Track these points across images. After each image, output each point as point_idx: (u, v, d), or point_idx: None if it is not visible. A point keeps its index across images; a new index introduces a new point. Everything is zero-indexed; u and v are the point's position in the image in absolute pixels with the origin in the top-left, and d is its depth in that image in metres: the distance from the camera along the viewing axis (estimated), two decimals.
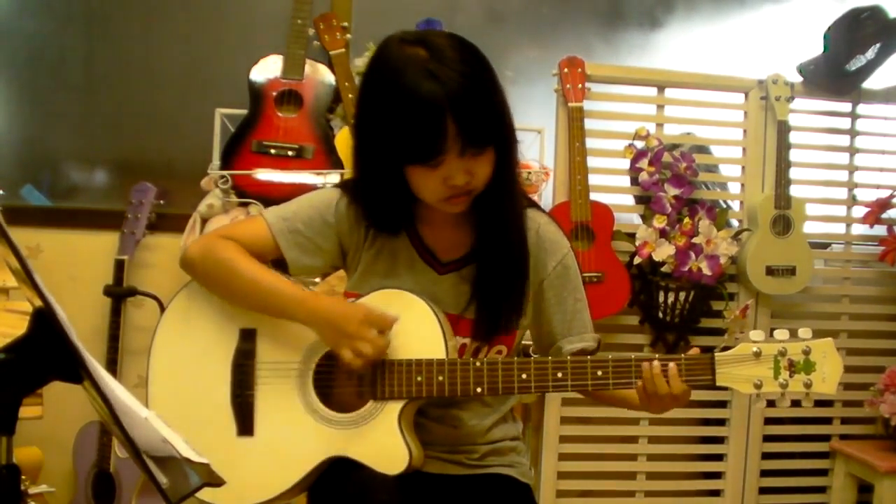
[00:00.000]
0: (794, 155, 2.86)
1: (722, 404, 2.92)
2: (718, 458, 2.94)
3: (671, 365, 1.42)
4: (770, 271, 2.81)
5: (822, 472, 2.99)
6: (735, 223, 2.94)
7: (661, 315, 2.80)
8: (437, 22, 2.78)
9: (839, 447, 2.91)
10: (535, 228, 1.55)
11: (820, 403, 1.45)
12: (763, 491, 2.94)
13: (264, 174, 2.65)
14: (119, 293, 2.63)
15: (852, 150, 3.02)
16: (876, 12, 2.85)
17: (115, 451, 2.59)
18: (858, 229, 3.03)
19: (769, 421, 2.91)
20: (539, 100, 2.90)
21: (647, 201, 2.81)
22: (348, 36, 2.77)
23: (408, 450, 1.44)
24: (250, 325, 1.55)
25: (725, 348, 1.45)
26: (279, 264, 1.56)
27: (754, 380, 1.41)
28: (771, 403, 1.44)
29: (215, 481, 0.99)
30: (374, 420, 1.47)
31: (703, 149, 2.95)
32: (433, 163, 1.37)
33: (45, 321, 0.95)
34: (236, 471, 1.46)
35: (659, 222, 2.74)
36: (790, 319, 2.93)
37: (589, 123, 2.77)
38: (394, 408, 1.47)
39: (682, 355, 1.44)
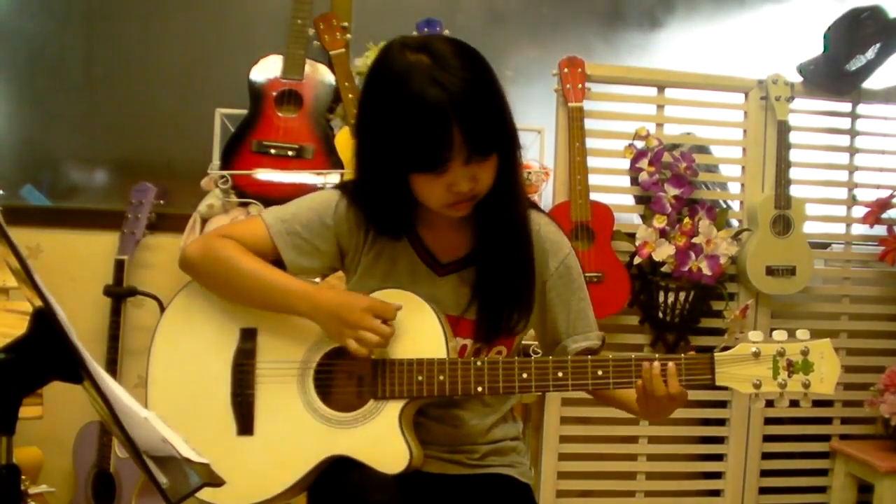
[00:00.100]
0: (794, 155, 2.86)
1: (722, 404, 2.92)
2: (718, 458, 2.94)
3: (670, 364, 1.42)
4: (770, 271, 2.81)
5: (822, 472, 2.99)
6: (735, 223, 2.94)
7: (661, 315, 2.80)
8: (438, 22, 2.78)
9: (839, 447, 2.91)
10: (535, 230, 1.56)
11: (820, 403, 1.46)
12: (763, 491, 2.94)
13: (264, 174, 2.66)
14: (119, 293, 2.64)
15: (852, 150, 3.02)
16: (876, 12, 2.85)
17: (115, 451, 2.59)
18: (858, 229, 3.03)
19: (769, 421, 2.91)
20: (539, 100, 2.90)
21: (647, 201, 2.81)
22: (348, 36, 2.77)
23: (408, 449, 1.44)
24: (251, 324, 1.55)
25: (725, 348, 1.46)
26: (277, 265, 1.56)
27: (753, 380, 1.42)
28: (770, 403, 1.45)
29: (215, 481, 0.99)
30: (374, 419, 1.47)
31: (703, 149, 2.95)
32: (438, 171, 1.37)
33: (45, 321, 0.95)
34: (236, 470, 1.46)
35: (659, 222, 2.74)
36: (790, 319, 2.93)
37: (589, 123, 2.77)
38: (394, 407, 1.47)
39: (682, 355, 1.44)
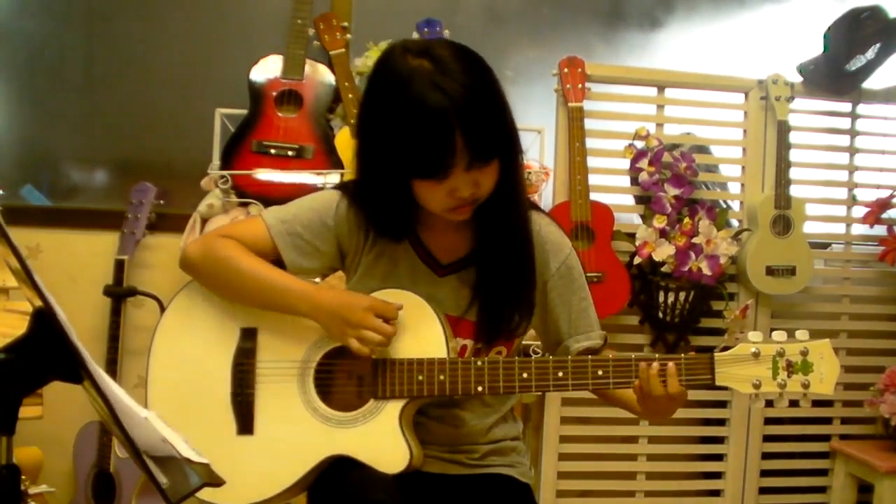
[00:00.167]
0: (794, 155, 2.86)
1: (722, 404, 2.92)
2: (718, 458, 2.94)
3: (670, 365, 1.42)
4: (770, 271, 2.81)
5: (822, 472, 2.99)
6: (735, 223, 2.94)
7: (661, 315, 2.80)
8: (438, 22, 2.78)
9: (839, 447, 2.91)
10: (536, 230, 1.56)
11: (820, 403, 1.47)
12: (763, 491, 2.94)
13: (264, 174, 2.66)
14: (119, 293, 2.64)
15: (852, 150, 3.02)
16: (876, 12, 2.85)
17: (115, 451, 2.59)
18: (858, 229, 3.03)
19: (769, 421, 2.91)
20: (539, 100, 2.90)
21: (647, 201, 2.81)
22: (348, 36, 2.77)
23: (408, 449, 1.44)
24: (251, 324, 1.55)
25: (725, 348, 1.46)
26: (277, 265, 1.56)
27: (753, 380, 1.42)
28: (770, 403, 1.45)
29: (215, 481, 0.99)
30: (374, 419, 1.47)
31: (703, 149, 2.95)
32: (440, 177, 1.37)
33: (45, 321, 0.95)
34: (236, 470, 1.46)
35: (659, 222, 2.74)
36: (790, 319, 2.93)
37: (589, 123, 2.77)
38: (395, 407, 1.47)
39: (682, 355, 1.44)
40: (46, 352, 0.96)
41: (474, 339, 1.54)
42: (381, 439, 1.46)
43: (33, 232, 2.76)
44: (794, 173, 2.85)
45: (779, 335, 1.43)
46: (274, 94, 2.69)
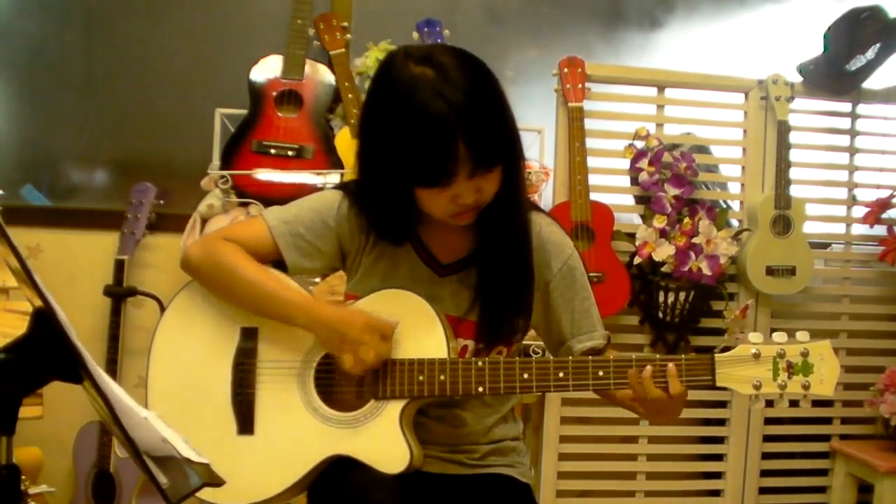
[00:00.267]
0: (794, 155, 2.86)
1: (722, 404, 2.92)
2: (718, 458, 2.94)
3: (670, 366, 1.42)
4: (770, 271, 2.81)
5: (822, 472, 2.99)
6: (735, 223, 2.94)
7: (661, 315, 2.80)
8: (438, 22, 2.78)
9: (839, 447, 2.91)
10: (537, 231, 1.56)
11: (820, 403, 1.47)
12: (763, 491, 2.94)
13: (264, 174, 2.66)
14: (119, 293, 2.64)
15: (852, 150, 3.02)
16: (876, 12, 2.85)
17: (115, 451, 2.59)
18: (858, 229, 3.03)
19: (769, 421, 2.91)
20: (539, 100, 2.90)
21: (647, 201, 2.81)
22: (348, 36, 2.77)
23: (409, 449, 1.44)
24: (252, 323, 1.55)
25: (725, 349, 1.46)
26: (278, 265, 1.56)
27: (753, 381, 1.42)
28: (769, 404, 1.45)
29: (215, 481, 0.99)
30: (375, 419, 1.47)
31: (703, 149, 2.95)
32: (442, 184, 1.37)
33: (45, 321, 0.95)
34: (236, 470, 1.46)
35: (659, 222, 2.74)
36: (790, 319, 2.93)
37: (589, 123, 2.77)
38: (395, 407, 1.47)
39: (683, 356, 1.45)
40: (46, 352, 0.96)
41: (475, 339, 1.54)
42: (381, 439, 1.46)
43: (33, 232, 2.76)
44: (794, 173, 2.85)
45: (779, 336, 1.44)
46: (274, 94, 2.69)
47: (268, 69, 2.71)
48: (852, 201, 3.02)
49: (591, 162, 2.75)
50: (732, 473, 2.92)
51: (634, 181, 2.83)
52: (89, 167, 3.05)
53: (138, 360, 2.51)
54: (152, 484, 0.92)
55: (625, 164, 2.83)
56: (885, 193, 2.96)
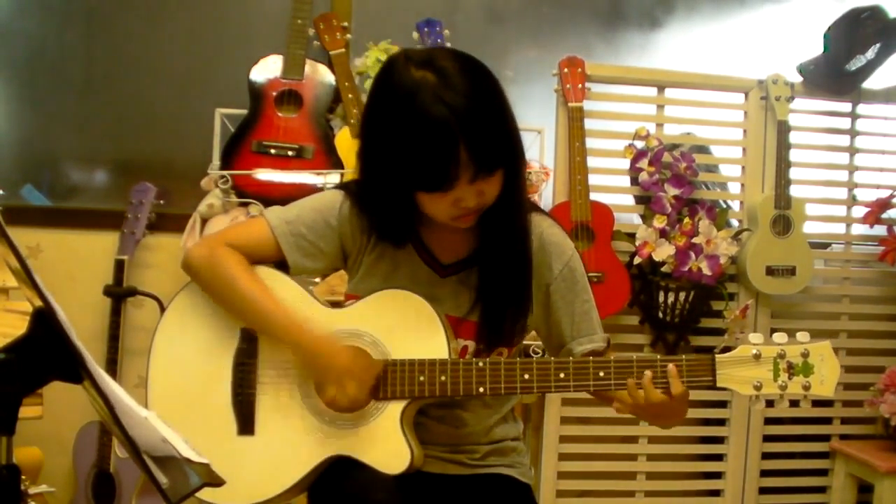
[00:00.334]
0: (794, 155, 2.86)
1: (722, 404, 2.92)
2: (718, 458, 2.94)
3: (670, 366, 1.42)
4: (770, 271, 2.81)
5: (822, 472, 2.99)
6: (735, 223, 2.94)
7: (661, 315, 2.80)
8: (438, 22, 2.78)
9: (839, 447, 2.91)
10: (538, 232, 1.55)
11: (820, 403, 1.47)
12: (763, 491, 2.94)
13: (264, 174, 2.65)
14: (119, 293, 2.63)
15: (852, 150, 3.02)
16: (876, 12, 2.85)
17: (115, 451, 2.59)
18: (858, 229, 3.03)
19: (769, 421, 2.91)
20: (539, 100, 2.90)
21: (647, 201, 2.81)
22: (348, 36, 2.77)
23: (409, 450, 1.44)
24: None
25: (725, 349, 1.46)
26: (280, 265, 1.56)
27: (754, 381, 1.42)
28: (770, 404, 1.45)
29: (215, 481, 0.99)
30: (375, 420, 1.47)
31: (703, 149, 2.95)
32: (444, 189, 1.37)
33: (45, 321, 0.95)
34: (237, 470, 1.46)
35: (659, 222, 2.74)
36: (790, 319, 2.93)
37: (589, 123, 2.77)
38: (396, 408, 1.47)
39: (684, 357, 1.45)
40: (46, 352, 0.96)
41: (476, 340, 1.54)
42: (382, 440, 1.46)
43: (33, 232, 2.76)
44: (794, 173, 2.85)
45: (779, 337, 1.44)
46: (274, 94, 2.69)
47: (268, 69, 2.71)
48: (852, 201, 3.02)
49: (591, 162, 2.75)
50: (732, 473, 2.92)
51: (634, 181, 2.83)
52: (89, 167, 3.05)
53: (138, 360, 2.51)
54: (152, 484, 0.92)
55: (625, 164, 2.83)
56: (885, 193, 2.96)
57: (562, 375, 1.46)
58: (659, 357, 1.45)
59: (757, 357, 1.43)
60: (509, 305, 1.53)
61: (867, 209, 2.94)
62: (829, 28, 2.88)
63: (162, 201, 2.73)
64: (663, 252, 2.72)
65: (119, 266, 2.64)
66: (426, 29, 2.77)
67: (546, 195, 2.84)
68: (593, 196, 2.73)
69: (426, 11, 2.87)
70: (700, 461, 2.99)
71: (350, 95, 2.69)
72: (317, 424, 1.49)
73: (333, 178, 2.63)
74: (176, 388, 1.55)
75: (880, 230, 2.97)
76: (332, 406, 1.47)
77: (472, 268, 1.55)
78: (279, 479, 1.49)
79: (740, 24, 3.33)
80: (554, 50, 3.00)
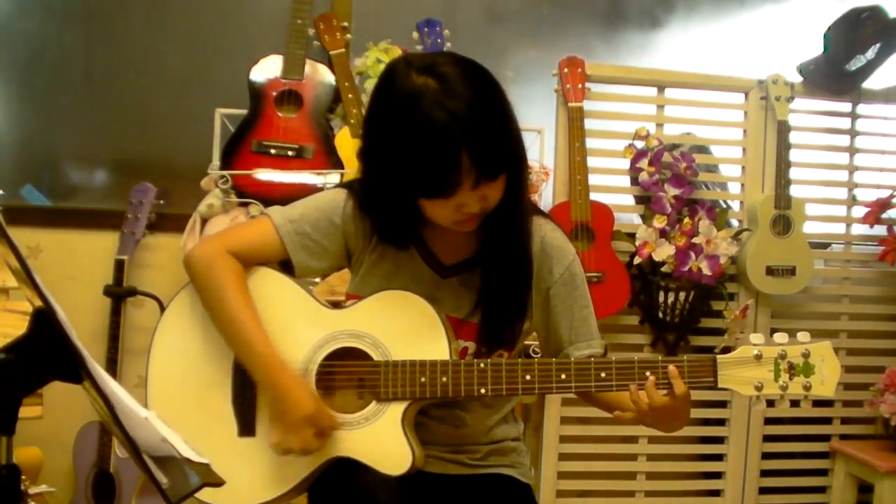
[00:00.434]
0: (794, 155, 2.86)
1: (722, 404, 2.92)
2: (718, 458, 2.94)
3: (671, 367, 1.43)
4: (770, 271, 2.81)
5: (822, 472, 2.99)
6: (735, 223, 2.94)
7: (661, 315, 2.80)
8: (438, 22, 2.78)
9: (839, 447, 2.91)
10: (540, 236, 1.55)
11: (820, 403, 1.47)
12: (763, 491, 2.94)
13: (264, 174, 2.65)
14: (119, 293, 2.63)
15: (852, 150, 3.02)
16: (876, 12, 2.85)
17: (115, 451, 2.59)
18: (858, 229, 3.03)
19: (769, 421, 2.91)
20: (539, 100, 2.90)
21: (647, 201, 2.81)
22: (348, 36, 2.77)
23: (411, 451, 1.44)
24: None
25: (725, 349, 1.46)
26: (285, 266, 1.55)
27: (755, 382, 1.43)
28: (770, 404, 1.45)
29: (215, 481, 0.99)
30: (377, 421, 1.47)
31: (703, 149, 2.95)
32: (447, 195, 1.37)
33: (45, 321, 0.95)
34: (237, 471, 1.46)
35: (659, 222, 2.74)
36: (790, 319, 2.93)
37: (589, 123, 2.77)
38: (397, 409, 1.47)
39: (685, 357, 1.45)
40: (46, 352, 0.96)
41: (476, 342, 1.54)
42: (383, 441, 1.46)
43: (33, 232, 2.76)
44: (794, 173, 2.85)
45: (780, 337, 1.44)
46: (274, 94, 2.69)
47: (268, 69, 2.71)
48: (852, 201, 3.02)
49: (591, 162, 2.75)
50: (732, 473, 2.92)
51: (634, 181, 2.83)
52: (89, 167, 3.05)
53: (138, 360, 2.51)
54: (152, 484, 0.92)
55: (625, 164, 2.83)
56: (885, 193, 2.96)
57: (563, 376, 1.46)
58: (660, 358, 1.45)
59: (758, 357, 1.43)
60: (510, 308, 1.53)
61: (867, 209, 2.95)
62: (829, 28, 2.88)
63: (162, 201, 2.73)
64: (663, 252, 2.72)
65: (119, 266, 2.64)
66: (426, 29, 2.77)
67: (546, 195, 2.84)
68: (593, 196, 2.73)
69: (426, 11, 2.86)
70: (700, 461, 2.99)
71: (350, 95, 2.69)
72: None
73: (333, 178, 2.63)
74: (176, 389, 1.55)
75: (880, 230, 2.97)
76: (279, 448, 1.46)
77: (473, 269, 1.54)
78: (280, 481, 1.49)
79: (740, 24, 3.33)
80: (554, 50, 3.00)
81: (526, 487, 1.65)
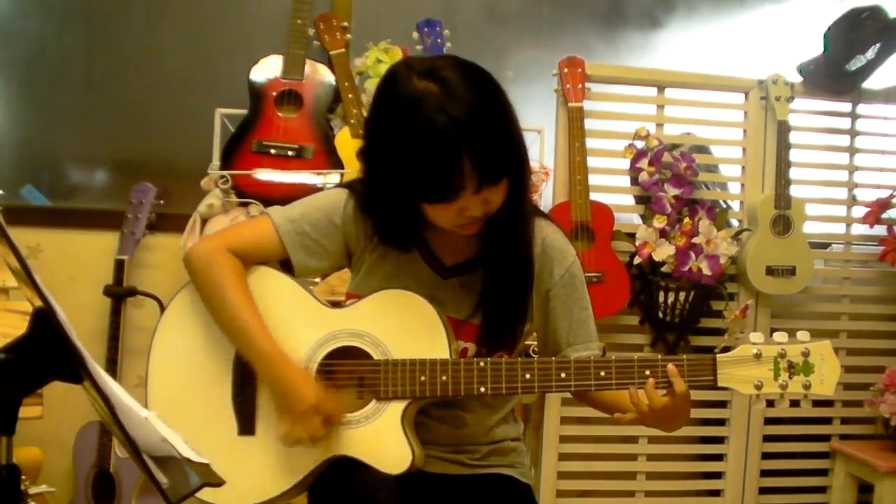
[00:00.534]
0: (794, 155, 2.86)
1: (722, 404, 2.92)
2: (718, 458, 2.94)
3: (670, 366, 1.43)
4: (770, 271, 2.81)
5: (822, 472, 2.99)
6: (735, 223, 2.94)
7: (661, 315, 2.80)
8: (438, 22, 2.78)
9: (839, 447, 2.91)
10: (541, 237, 1.55)
11: (820, 403, 1.47)
12: (763, 491, 2.94)
13: (264, 174, 2.65)
14: (119, 293, 2.63)
15: (852, 150, 3.02)
16: (876, 12, 2.85)
17: (115, 451, 2.59)
18: (858, 229, 3.03)
19: (769, 421, 2.91)
20: (539, 100, 2.90)
21: (647, 201, 2.81)
22: (348, 36, 2.77)
23: (410, 450, 1.44)
24: None
25: (725, 349, 1.46)
26: (285, 265, 1.55)
27: (755, 381, 1.43)
28: (770, 404, 1.45)
29: (215, 481, 0.99)
30: (377, 420, 1.47)
31: (703, 149, 2.95)
32: (449, 200, 1.36)
33: (45, 321, 0.95)
34: (237, 470, 1.46)
35: (659, 222, 2.74)
36: (790, 319, 2.93)
37: (589, 123, 2.77)
38: (397, 408, 1.47)
39: (685, 356, 1.45)
40: (46, 352, 0.96)
41: (476, 343, 1.54)
42: (383, 440, 1.46)
43: (33, 232, 2.76)
44: (794, 173, 2.85)
45: (780, 336, 1.44)
46: (274, 94, 2.69)
47: (268, 69, 2.71)
48: (852, 201, 3.02)
49: (591, 162, 2.75)
50: (732, 473, 2.92)
51: (634, 181, 2.83)
52: (89, 167, 3.05)
53: (138, 360, 2.51)
54: (152, 484, 0.92)
55: (625, 164, 2.83)
56: (885, 193, 2.96)
57: (563, 375, 1.46)
58: (660, 357, 1.45)
59: (758, 356, 1.43)
60: (512, 310, 1.53)
61: (867, 209, 2.95)
62: (829, 28, 2.88)
63: (162, 201, 2.73)
64: (663, 252, 2.72)
65: (119, 266, 2.64)
66: (426, 29, 2.76)
67: (546, 195, 2.84)
68: (593, 196, 2.73)
69: (426, 11, 2.86)
70: (700, 461, 2.99)
71: (350, 95, 2.68)
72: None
73: (333, 178, 2.63)
74: (176, 388, 1.55)
75: (880, 230, 2.97)
76: (287, 440, 1.46)
77: (474, 271, 1.54)
78: (280, 480, 1.49)
79: (740, 24, 3.33)
80: (554, 50, 3.00)
81: (526, 487, 1.65)
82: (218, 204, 2.63)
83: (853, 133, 3.01)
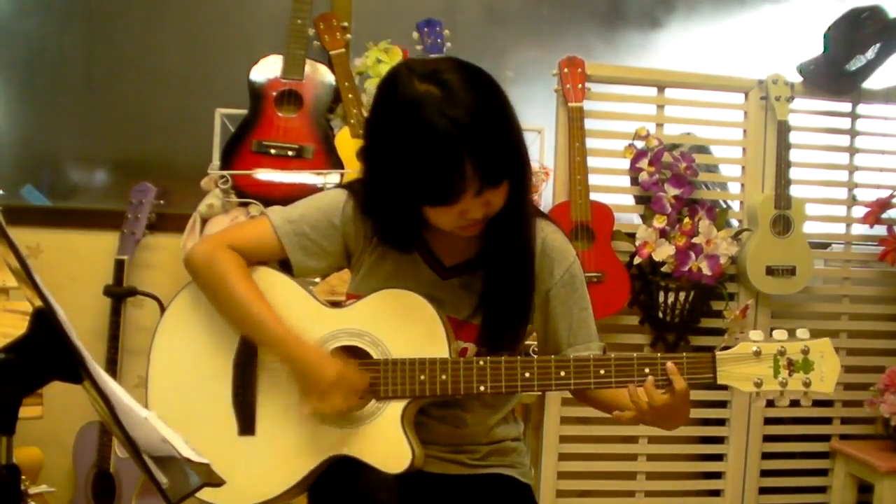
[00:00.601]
0: (794, 155, 2.86)
1: (722, 404, 2.92)
2: (718, 458, 2.94)
3: (669, 364, 1.42)
4: (770, 271, 2.81)
5: (822, 472, 2.99)
6: (735, 223, 2.94)
7: (661, 315, 2.80)
8: (438, 22, 2.78)
9: (839, 447, 2.91)
10: (541, 237, 1.55)
11: (820, 403, 1.47)
12: (763, 491, 2.94)
13: (264, 174, 2.65)
14: (119, 293, 2.63)
15: (852, 150, 3.02)
16: (876, 12, 2.85)
17: (115, 451, 2.59)
18: (858, 229, 3.03)
19: (769, 421, 2.91)
20: (539, 100, 2.90)
21: (647, 201, 2.81)
22: (348, 36, 2.77)
23: (410, 450, 1.44)
24: None
25: (725, 348, 1.46)
26: (284, 265, 1.55)
27: (754, 378, 1.42)
28: (770, 403, 1.45)
29: (215, 481, 0.99)
30: (376, 419, 1.47)
31: (703, 149, 2.95)
32: (450, 203, 1.36)
33: (45, 321, 0.95)
34: (237, 470, 1.46)
35: (659, 222, 2.74)
36: (790, 319, 2.93)
37: (589, 123, 2.77)
38: (396, 407, 1.47)
39: (684, 354, 1.45)
40: (46, 352, 0.96)
41: (476, 343, 1.54)
42: (383, 440, 1.46)
43: (33, 232, 2.76)
44: (794, 173, 2.85)
45: (779, 334, 1.44)
46: (274, 94, 2.69)
47: (268, 69, 2.71)
48: (852, 201, 3.02)
49: (591, 162, 2.75)
50: (732, 473, 2.92)
51: (634, 181, 2.83)
52: (89, 167, 3.05)
53: (138, 360, 2.51)
54: (152, 484, 0.92)
55: (625, 164, 2.83)
56: (885, 193, 2.96)
57: (562, 374, 1.46)
58: (659, 355, 1.45)
59: (757, 354, 1.43)
60: (513, 311, 1.53)
61: (867, 209, 2.95)
62: (829, 28, 2.88)
63: (162, 201, 2.73)
64: (663, 252, 2.72)
65: (119, 266, 2.64)
66: (426, 29, 2.76)
67: (546, 195, 2.84)
68: (593, 196, 2.73)
69: (426, 11, 2.86)
70: (700, 461, 2.99)
71: (350, 95, 2.68)
72: (318, 424, 1.49)
73: (333, 178, 2.63)
74: (176, 389, 1.55)
75: (880, 230, 2.97)
76: (315, 416, 1.46)
77: (474, 271, 1.54)
78: (280, 480, 1.49)
79: (740, 24, 3.33)
80: (554, 50, 3.00)
81: (526, 487, 1.65)
82: (218, 204, 2.63)
83: (853, 133, 3.01)
